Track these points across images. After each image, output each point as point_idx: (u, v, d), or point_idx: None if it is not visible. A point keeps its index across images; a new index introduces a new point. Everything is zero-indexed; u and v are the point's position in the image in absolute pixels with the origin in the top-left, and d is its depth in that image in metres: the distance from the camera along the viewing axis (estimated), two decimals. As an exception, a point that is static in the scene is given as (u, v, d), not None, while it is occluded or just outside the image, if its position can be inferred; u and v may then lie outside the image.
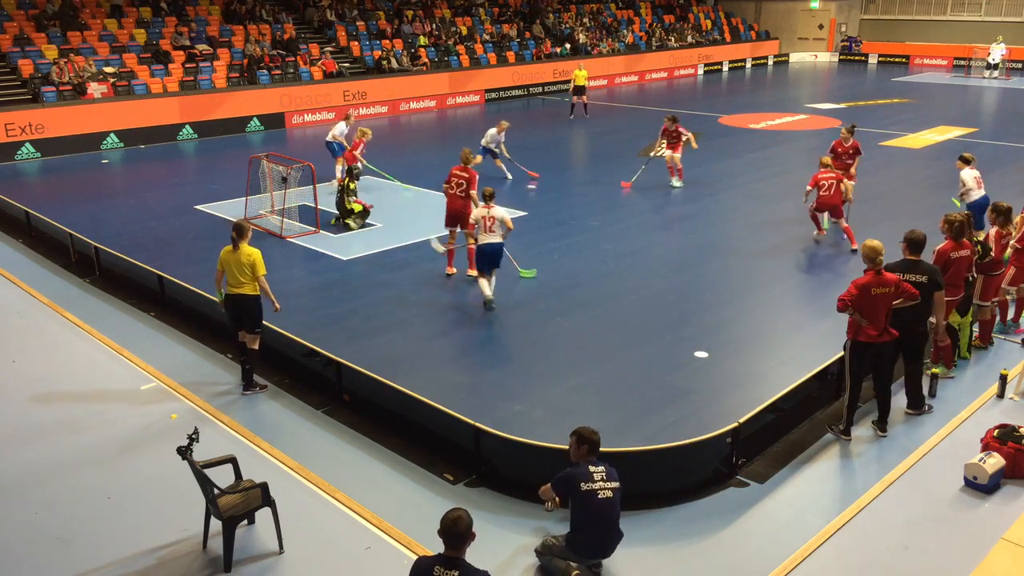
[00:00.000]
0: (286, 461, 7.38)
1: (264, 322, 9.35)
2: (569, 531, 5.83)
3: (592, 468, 5.69)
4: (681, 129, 16.57)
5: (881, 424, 7.72)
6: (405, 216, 14.87)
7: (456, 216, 11.58)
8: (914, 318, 7.69)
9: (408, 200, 16.21)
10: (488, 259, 10.54)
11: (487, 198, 10.67)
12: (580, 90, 25.51)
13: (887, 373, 7.72)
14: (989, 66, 36.05)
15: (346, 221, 14.21)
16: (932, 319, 7.87)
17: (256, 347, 8.61)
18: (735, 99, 31.21)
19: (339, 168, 16.73)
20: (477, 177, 11.62)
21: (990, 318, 9.43)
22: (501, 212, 10.54)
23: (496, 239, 10.49)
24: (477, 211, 10.74)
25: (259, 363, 8.83)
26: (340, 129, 17.13)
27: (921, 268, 7.71)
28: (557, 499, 5.84)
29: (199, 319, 10.40)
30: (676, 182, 16.84)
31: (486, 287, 10.55)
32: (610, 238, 13.60)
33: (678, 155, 16.66)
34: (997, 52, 35.70)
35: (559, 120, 25.82)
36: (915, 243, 7.75)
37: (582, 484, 5.63)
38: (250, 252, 8.37)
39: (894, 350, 7.69)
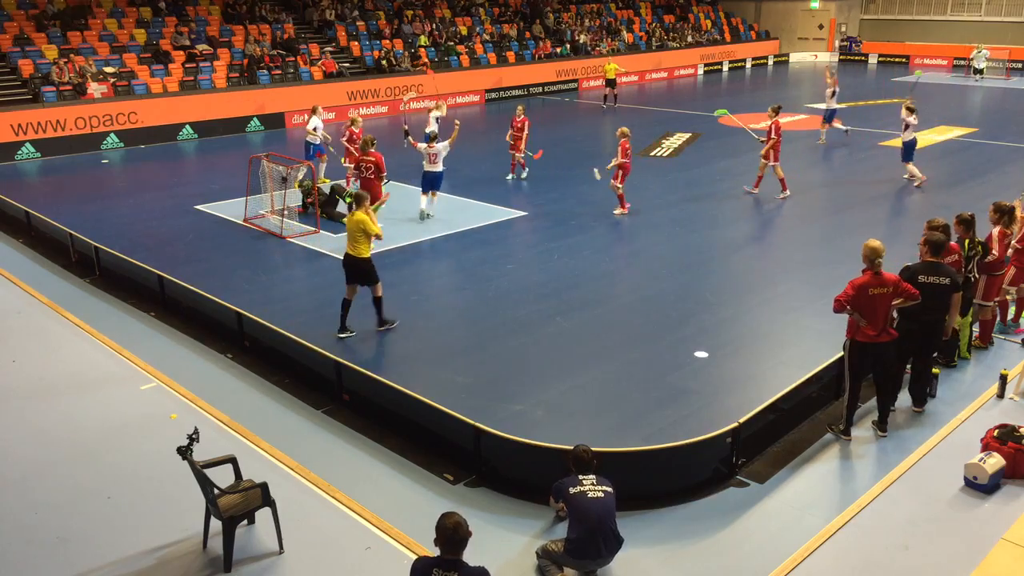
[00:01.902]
0: (286, 461, 7.37)
1: (264, 322, 9.40)
2: (567, 536, 5.84)
3: (581, 476, 5.90)
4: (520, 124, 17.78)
5: (881, 424, 7.73)
6: (404, 216, 14.85)
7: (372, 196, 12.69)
8: (937, 319, 7.79)
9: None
10: (430, 183, 14.43)
11: (431, 139, 14.40)
12: (611, 83, 28.20)
13: (892, 374, 7.72)
14: (975, 71, 35.64)
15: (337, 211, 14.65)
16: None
17: (380, 295, 9.75)
18: (735, 99, 31.18)
19: (323, 168, 17.07)
20: (383, 158, 13.21)
21: (991, 318, 9.42)
22: (439, 147, 14.26)
23: (438, 168, 14.32)
24: (422, 146, 14.27)
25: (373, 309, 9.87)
26: (315, 124, 16.67)
27: (943, 271, 7.72)
28: (560, 505, 6.03)
29: (199, 319, 10.40)
30: (510, 176, 17.73)
31: (424, 203, 14.42)
32: (610, 238, 13.59)
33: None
34: (981, 59, 35.36)
35: (559, 120, 25.83)
36: (937, 245, 7.75)
37: (570, 488, 5.82)
38: (359, 219, 9.35)
39: (897, 351, 7.71)
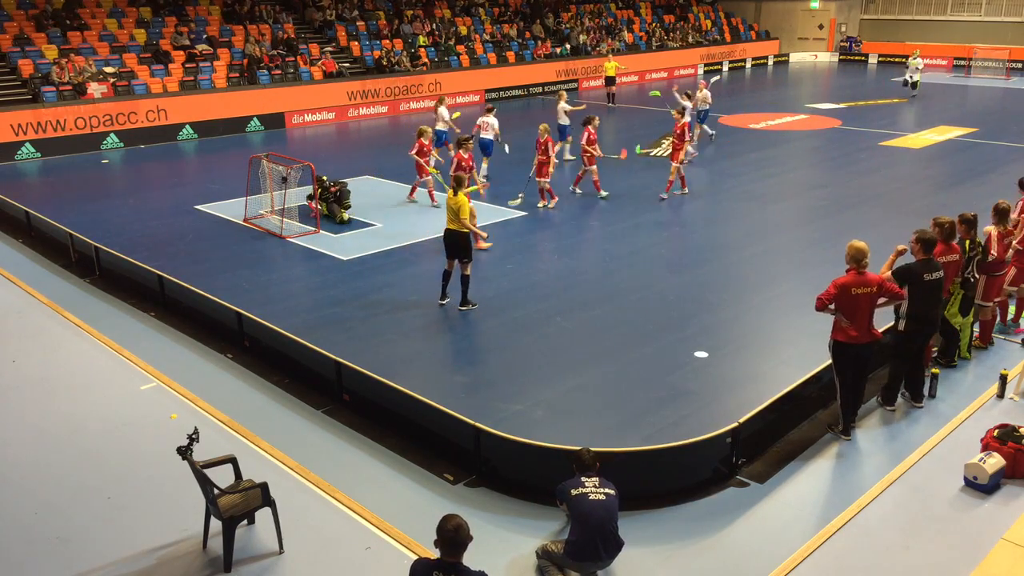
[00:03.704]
0: (286, 461, 7.38)
1: (264, 321, 9.40)
2: (567, 537, 5.84)
3: (584, 478, 5.90)
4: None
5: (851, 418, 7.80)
6: (404, 216, 14.86)
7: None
8: (938, 314, 8.04)
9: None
10: (482, 149, 16.91)
11: (488, 111, 17.45)
12: (611, 80, 28.21)
13: (867, 374, 7.81)
14: (907, 83, 30.00)
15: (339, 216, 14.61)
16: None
17: (468, 272, 10.47)
18: (735, 99, 31.18)
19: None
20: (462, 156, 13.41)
21: (991, 318, 9.43)
22: (492, 120, 17.26)
23: (488, 136, 17.24)
24: (480, 118, 17.38)
25: (468, 287, 10.55)
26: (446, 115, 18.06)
27: (936, 265, 7.82)
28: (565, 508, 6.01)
29: (199, 319, 10.40)
30: (541, 204, 15.66)
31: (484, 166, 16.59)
32: (610, 238, 13.59)
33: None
34: (914, 69, 29.78)
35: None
36: (930, 243, 7.78)
37: (572, 490, 5.82)
38: (459, 199, 10.13)
39: (899, 351, 7.84)
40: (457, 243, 10.34)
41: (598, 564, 5.82)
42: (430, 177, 15.29)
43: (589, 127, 15.76)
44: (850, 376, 7.62)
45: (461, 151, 13.17)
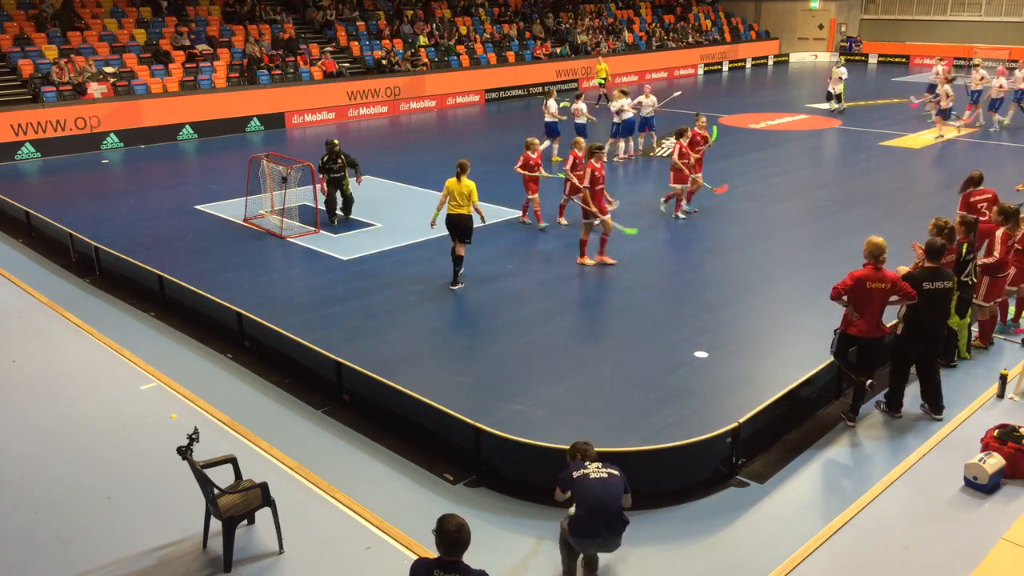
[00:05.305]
0: (286, 461, 7.38)
1: (264, 322, 9.40)
2: (573, 513, 5.83)
3: (586, 462, 5.86)
4: None
5: (850, 415, 7.89)
6: (404, 216, 14.86)
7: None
8: (940, 323, 7.98)
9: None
10: (580, 132, 17.96)
11: (576, 98, 19.20)
12: (604, 83, 28.23)
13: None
14: (830, 96, 25.81)
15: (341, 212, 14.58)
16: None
17: (462, 253, 11.14)
18: (735, 99, 31.19)
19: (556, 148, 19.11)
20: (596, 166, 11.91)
21: (990, 319, 9.42)
22: (582, 107, 19.00)
23: (581, 120, 18.86)
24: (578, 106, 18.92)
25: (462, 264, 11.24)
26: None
27: (944, 275, 7.80)
28: (567, 494, 5.96)
29: (199, 319, 10.40)
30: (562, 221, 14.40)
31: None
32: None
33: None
34: (837, 78, 25.56)
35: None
36: (936, 251, 7.78)
37: (574, 473, 5.78)
38: (468, 183, 10.85)
39: (897, 356, 7.87)
40: (464, 225, 10.95)
41: (597, 542, 5.77)
42: (536, 196, 13.87)
43: (681, 140, 13.88)
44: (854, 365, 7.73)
45: (593, 160, 11.66)
